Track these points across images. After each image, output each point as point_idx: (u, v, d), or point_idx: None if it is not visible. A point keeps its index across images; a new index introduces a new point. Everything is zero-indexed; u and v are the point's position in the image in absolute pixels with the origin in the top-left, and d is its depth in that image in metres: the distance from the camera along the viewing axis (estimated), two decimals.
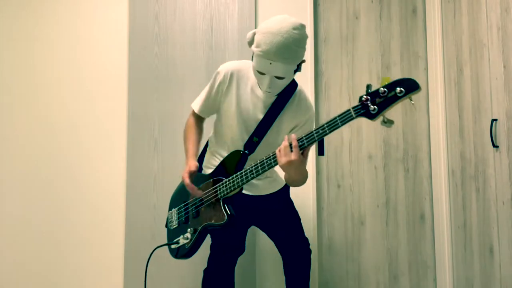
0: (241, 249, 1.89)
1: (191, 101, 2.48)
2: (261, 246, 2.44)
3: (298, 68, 1.65)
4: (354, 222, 2.63)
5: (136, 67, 2.49)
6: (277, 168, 1.73)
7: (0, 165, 2.48)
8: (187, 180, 1.72)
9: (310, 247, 1.96)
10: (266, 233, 2.00)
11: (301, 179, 1.67)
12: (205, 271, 1.91)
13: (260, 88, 1.71)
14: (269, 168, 1.59)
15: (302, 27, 1.58)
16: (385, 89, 1.39)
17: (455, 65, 2.44)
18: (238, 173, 1.65)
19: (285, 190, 1.97)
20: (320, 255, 2.56)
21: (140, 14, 2.52)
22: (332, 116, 2.50)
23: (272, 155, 1.57)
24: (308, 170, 2.27)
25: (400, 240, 2.63)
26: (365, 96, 1.42)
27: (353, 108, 1.44)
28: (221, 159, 1.83)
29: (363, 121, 2.66)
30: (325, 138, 2.62)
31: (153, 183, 2.44)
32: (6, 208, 2.45)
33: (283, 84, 1.64)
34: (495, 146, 2.02)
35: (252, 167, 1.61)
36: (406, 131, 2.69)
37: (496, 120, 2.02)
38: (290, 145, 1.51)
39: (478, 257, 2.21)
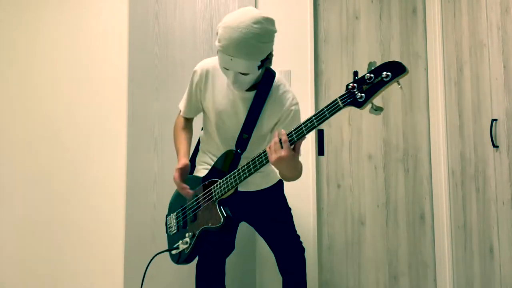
0: (230, 248, 1.86)
1: None
2: (261, 246, 2.43)
3: (264, 63, 1.57)
4: (354, 222, 2.63)
5: (136, 67, 2.49)
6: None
7: (0, 164, 2.48)
8: (176, 176, 1.69)
9: (310, 246, 1.94)
10: (256, 230, 1.95)
11: (295, 175, 1.62)
12: (196, 267, 1.88)
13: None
14: (260, 167, 1.54)
15: (265, 20, 1.51)
16: (371, 74, 1.32)
17: (455, 65, 2.44)
18: (231, 173, 1.62)
19: (278, 186, 1.92)
20: (320, 255, 2.56)
21: (140, 14, 2.52)
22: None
23: (263, 153, 1.53)
24: (308, 170, 2.26)
25: (400, 240, 2.63)
26: (351, 84, 1.35)
27: (340, 97, 1.38)
28: (213, 157, 1.82)
29: (363, 120, 2.67)
30: (325, 138, 2.62)
31: (153, 183, 2.44)
32: (6, 207, 2.45)
33: (249, 79, 1.58)
34: (495, 146, 2.02)
35: (244, 166, 1.58)
36: (406, 131, 2.69)
37: (496, 120, 2.02)
38: (280, 140, 1.46)
39: (478, 257, 2.21)
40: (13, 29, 2.55)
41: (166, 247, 2.41)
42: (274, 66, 2.56)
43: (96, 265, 2.42)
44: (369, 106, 1.34)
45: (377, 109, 1.34)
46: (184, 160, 1.73)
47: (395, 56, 2.71)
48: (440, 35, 2.59)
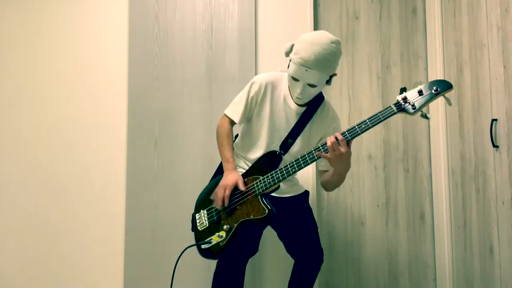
0: (254, 250, 1.93)
1: (191, 101, 2.50)
2: (262, 246, 2.43)
3: (329, 81, 1.79)
4: (354, 222, 2.63)
5: (136, 67, 2.49)
6: (300, 173, 1.82)
7: (1, 164, 2.48)
8: (229, 192, 1.80)
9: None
10: (278, 234, 1.99)
11: (344, 175, 1.80)
12: (217, 265, 1.88)
13: (291, 96, 1.86)
14: (311, 162, 1.71)
15: (338, 42, 1.74)
16: (422, 88, 1.63)
17: (455, 65, 2.44)
18: (277, 169, 1.77)
19: (304, 196, 2.03)
20: None
21: (140, 14, 2.52)
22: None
23: (315, 149, 1.70)
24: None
25: (400, 240, 2.63)
26: (404, 94, 1.64)
27: (394, 104, 1.64)
28: (247, 161, 1.94)
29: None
30: None
31: (153, 182, 2.44)
32: (6, 206, 2.45)
33: (313, 92, 1.79)
34: (495, 146, 2.02)
35: (293, 162, 1.73)
36: (406, 131, 2.69)
37: (496, 120, 2.02)
38: (336, 140, 1.64)
39: (478, 257, 2.21)
40: (13, 29, 2.55)
41: (166, 247, 2.41)
42: (274, 66, 2.56)
43: (96, 265, 2.42)
44: (419, 113, 1.65)
45: (425, 116, 1.65)
46: (241, 179, 1.83)
47: (395, 56, 2.71)
48: (440, 35, 2.58)
